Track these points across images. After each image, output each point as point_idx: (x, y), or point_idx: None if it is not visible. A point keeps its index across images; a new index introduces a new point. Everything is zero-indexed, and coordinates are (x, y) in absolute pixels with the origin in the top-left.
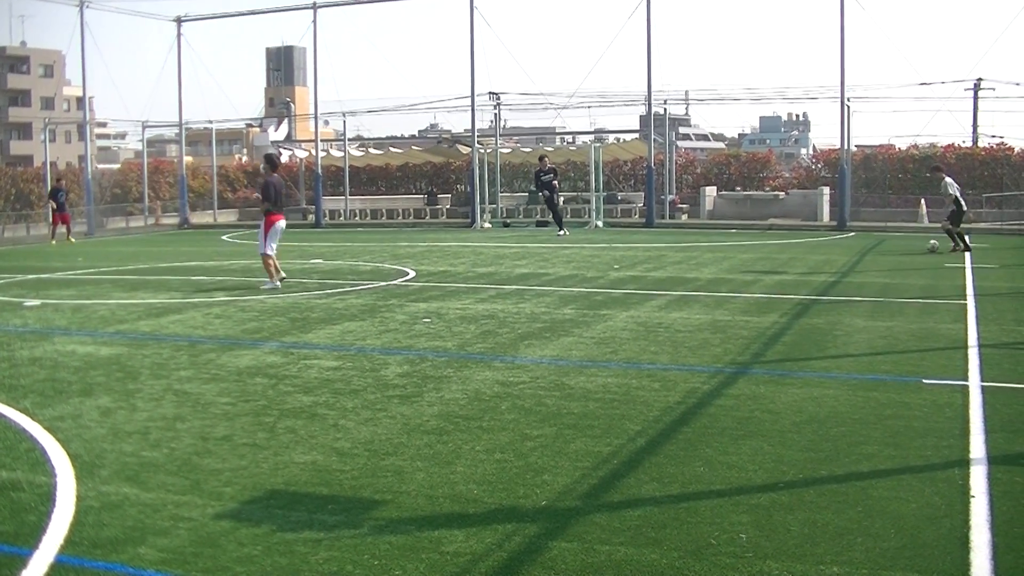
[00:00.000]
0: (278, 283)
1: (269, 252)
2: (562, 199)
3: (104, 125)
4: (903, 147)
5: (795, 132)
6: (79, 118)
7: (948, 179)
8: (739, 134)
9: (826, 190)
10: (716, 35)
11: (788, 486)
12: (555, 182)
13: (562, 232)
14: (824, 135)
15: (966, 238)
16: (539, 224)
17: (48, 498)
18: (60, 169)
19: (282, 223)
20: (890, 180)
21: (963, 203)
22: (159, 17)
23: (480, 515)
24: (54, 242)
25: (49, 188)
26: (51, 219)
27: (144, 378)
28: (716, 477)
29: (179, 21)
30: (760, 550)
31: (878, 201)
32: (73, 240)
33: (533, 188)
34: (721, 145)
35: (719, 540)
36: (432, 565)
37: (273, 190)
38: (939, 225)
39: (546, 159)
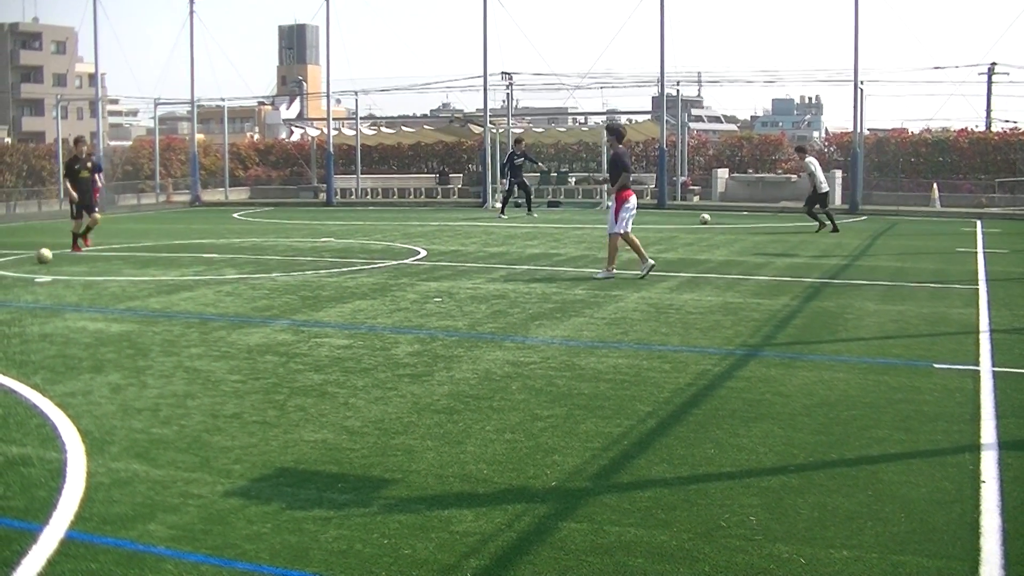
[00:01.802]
0: (613, 273)
1: (622, 230)
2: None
3: (116, 102)
4: (916, 131)
5: (808, 115)
6: (91, 95)
7: (810, 159)
8: (751, 116)
9: (838, 173)
10: (729, 17)
11: (798, 469)
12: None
13: (533, 215)
14: (837, 118)
15: (834, 218)
16: (550, 204)
17: (58, 474)
18: (71, 146)
19: (634, 199)
20: (902, 164)
21: (822, 185)
22: None
23: (490, 495)
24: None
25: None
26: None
27: (154, 355)
28: (726, 459)
29: None
30: (770, 533)
31: (890, 185)
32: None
33: (506, 170)
34: (733, 127)
35: (729, 522)
36: (441, 544)
37: (624, 163)
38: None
39: (523, 142)
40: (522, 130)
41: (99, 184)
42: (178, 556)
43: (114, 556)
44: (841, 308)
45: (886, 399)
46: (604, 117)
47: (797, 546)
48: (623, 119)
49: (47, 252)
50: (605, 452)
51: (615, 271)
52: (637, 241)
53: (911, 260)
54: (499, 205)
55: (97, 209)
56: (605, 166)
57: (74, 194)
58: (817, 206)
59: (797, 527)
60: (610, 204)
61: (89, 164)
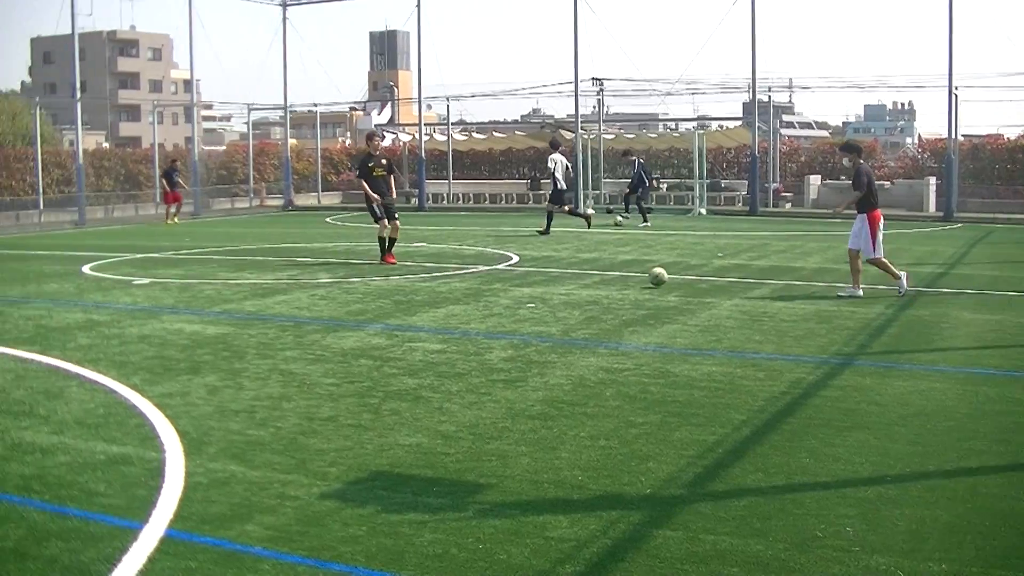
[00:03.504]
0: (860, 291)
1: (881, 256)
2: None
3: (210, 107)
4: (1012, 137)
5: (900, 121)
6: (186, 100)
7: (551, 156)
8: (843, 122)
9: (932, 180)
10: (821, 21)
11: (895, 480)
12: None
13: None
14: (930, 124)
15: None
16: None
17: (157, 473)
18: (168, 150)
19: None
20: (998, 171)
21: (561, 183)
22: (265, 1)
23: (584, 501)
24: (169, 222)
25: (161, 169)
26: (164, 199)
27: (250, 357)
28: (821, 469)
29: (284, 5)
30: (867, 544)
31: (986, 192)
32: (177, 221)
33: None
34: (825, 133)
35: (825, 532)
36: (536, 550)
37: (861, 180)
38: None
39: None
40: (613, 136)
41: (393, 186)
42: (275, 556)
43: (212, 555)
44: (937, 317)
45: (984, 410)
46: (695, 123)
47: (895, 558)
48: (713, 125)
49: (662, 272)
50: (699, 460)
51: (861, 289)
52: (893, 267)
53: (1008, 269)
54: (621, 217)
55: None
56: (695, 170)
57: (373, 195)
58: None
59: (894, 539)
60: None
61: (384, 162)
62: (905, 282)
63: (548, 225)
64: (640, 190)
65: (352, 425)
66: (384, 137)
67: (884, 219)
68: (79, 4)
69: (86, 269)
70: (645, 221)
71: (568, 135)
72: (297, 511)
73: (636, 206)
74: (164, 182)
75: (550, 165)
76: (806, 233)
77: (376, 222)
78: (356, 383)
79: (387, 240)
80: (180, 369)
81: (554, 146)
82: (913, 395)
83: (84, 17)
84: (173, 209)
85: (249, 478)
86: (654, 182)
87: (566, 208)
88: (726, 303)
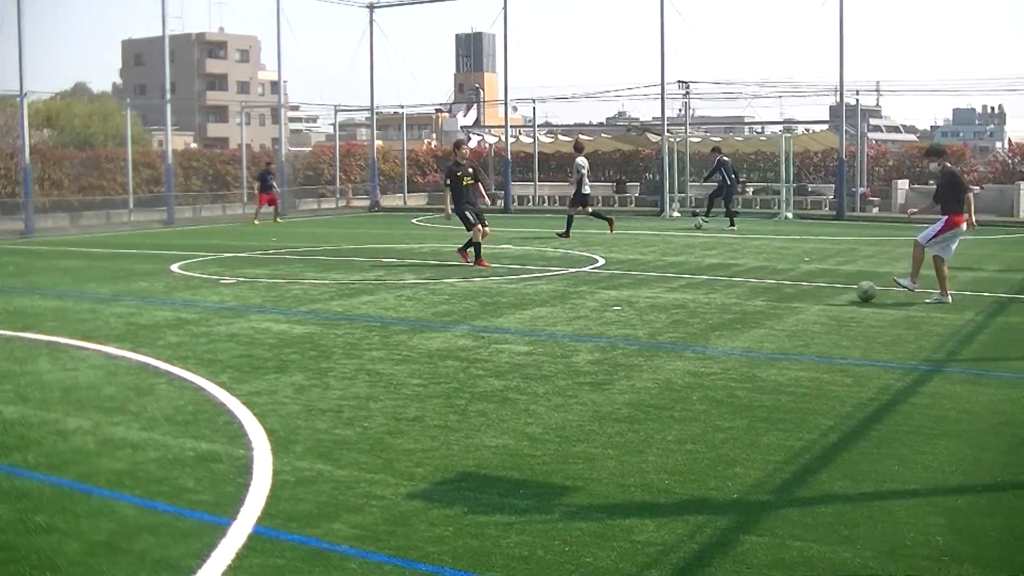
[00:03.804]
0: (948, 298)
1: (945, 255)
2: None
3: (296, 108)
4: None
5: (990, 125)
6: (274, 102)
7: (579, 160)
8: (931, 126)
9: (1022, 185)
10: (909, 24)
11: (986, 489)
12: None
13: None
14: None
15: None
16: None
17: (245, 470)
18: (255, 151)
19: (964, 227)
20: None
21: (588, 186)
22: (352, 4)
23: (671, 505)
24: (256, 222)
25: (255, 171)
26: (258, 199)
27: (337, 357)
28: (911, 476)
29: (371, 7)
30: (956, 554)
31: None
32: (280, 221)
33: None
34: (913, 137)
35: (914, 541)
36: (623, 554)
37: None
38: None
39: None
40: (699, 139)
41: (484, 194)
42: (361, 555)
43: (299, 553)
44: None
45: None
46: (781, 126)
47: (986, 570)
48: (800, 129)
49: (871, 286)
50: (786, 465)
51: (949, 296)
52: (942, 270)
53: None
54: (703, 219)
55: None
56: (781, 174)
57: (450, 206)
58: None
59: (986, 550)
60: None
61: (471, 170)
62: (912, 286)
63: (568, 228)
64: (724, 191)
65: (438, 426)
66: (470, 139)
67: (966, 226)
68: (170, 7)
69: (175, 268)
70: (732, 225)
71: (654, 138)
72: (384, 510)
73: (722, 209)
74: (257, 184)
75: (582, 169)
76: (893, 238)
77: (469, 229)
78: (442, 384)
79: (479, 245)
80: (268, 368)
81: (578, 150)
82: (1005, 403)
83: (174, 20)
84: (269, 210)
85: (336, 477)
86: (739, 186)
87: (589, 210)
88: (813, 308)
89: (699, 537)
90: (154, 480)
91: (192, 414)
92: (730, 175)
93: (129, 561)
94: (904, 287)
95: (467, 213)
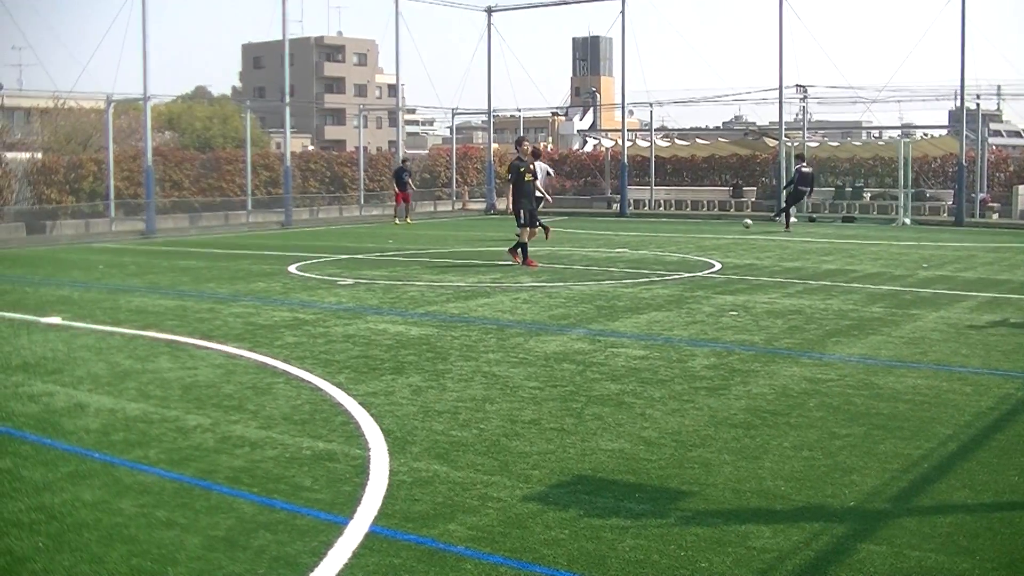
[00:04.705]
0: None
1: None
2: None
3: (413, 111)
4: None
5: None
6: (391, 104)
7: (540, 164)
8: None
9: None
10: None
11: None
12: None
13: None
14: None
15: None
16: (845, 220)
17: (362, 470)
18: (372, 154)
19: None
20: None
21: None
22: (470, 7)
23: (787, 512)
24: (397, 221)
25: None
26: (395, 199)
27: (453, 359)
28: None
29: (489, 11)
30: None
31: None
32: (411, 221)
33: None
34: None
35: None
36: (738, 560)
37: None
38: None
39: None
40: (817, 144)
41: (543, 193)
42: (477, 556)
43: (416, 553)
44: None
45: None
46: (900, 131)
47: None
48: (918, 134)
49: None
50: (904, 474)
51: None
52: None
53: None
54: (782, 221)
55: (540, 222)
56: (900, 179)
57: (511, 202)
58: None
59: None
60: None
61: (532, 167)
62: None
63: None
64: (792, 197)
65: (555, 429)
66: (586, 143)
67: None
68: (289, 11)
69: (292, 269)
70: (787, 228)
71: (771, 142)
72: (500, 512)
73: (796, 213)
74: (394, 182)
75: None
76: (1014, 245)
77: (519, 227)
78: (559, 387)
79: (526, 245)
80: (384, 369)
81: (535, 155)
82: None
83: (294, 23)
84: (402, 210)
85: (452, 478)
86: (809, 190)
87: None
88: (931, 315)
89: (815, 544)
90: (272, 478)
91: (309, 413)
92: (800, 185)
93: (247, 557)
94: None
95: (522, 212)
